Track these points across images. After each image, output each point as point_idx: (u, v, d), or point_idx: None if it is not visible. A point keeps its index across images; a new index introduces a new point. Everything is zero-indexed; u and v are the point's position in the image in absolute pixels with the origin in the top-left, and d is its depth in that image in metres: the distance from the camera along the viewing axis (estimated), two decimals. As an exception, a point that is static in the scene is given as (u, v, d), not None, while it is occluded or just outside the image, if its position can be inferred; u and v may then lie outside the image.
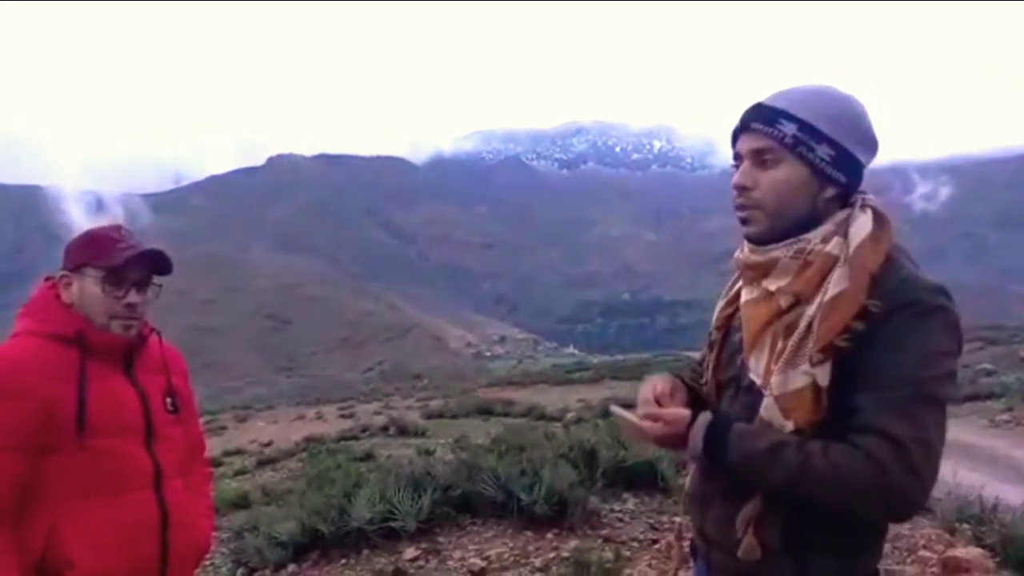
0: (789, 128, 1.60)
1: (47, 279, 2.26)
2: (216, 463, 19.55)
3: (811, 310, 1.55)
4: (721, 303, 1.87)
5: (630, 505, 6.11)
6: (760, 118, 1.65)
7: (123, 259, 2.17)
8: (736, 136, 1.71)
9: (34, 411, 2.01)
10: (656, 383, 1.80)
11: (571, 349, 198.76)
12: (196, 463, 2.53)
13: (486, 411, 26.89)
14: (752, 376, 1.64)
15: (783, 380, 1.55)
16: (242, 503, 11.02)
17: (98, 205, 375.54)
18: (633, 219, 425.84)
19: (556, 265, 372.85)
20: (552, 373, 58.14)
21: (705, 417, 1.64)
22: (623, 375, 46.34)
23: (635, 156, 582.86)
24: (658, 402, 1.75)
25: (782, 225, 1.63)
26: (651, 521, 5.76)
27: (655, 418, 1.68)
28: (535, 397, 33.02)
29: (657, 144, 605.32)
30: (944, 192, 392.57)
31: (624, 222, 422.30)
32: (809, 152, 1.59)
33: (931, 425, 1.47)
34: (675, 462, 6.47)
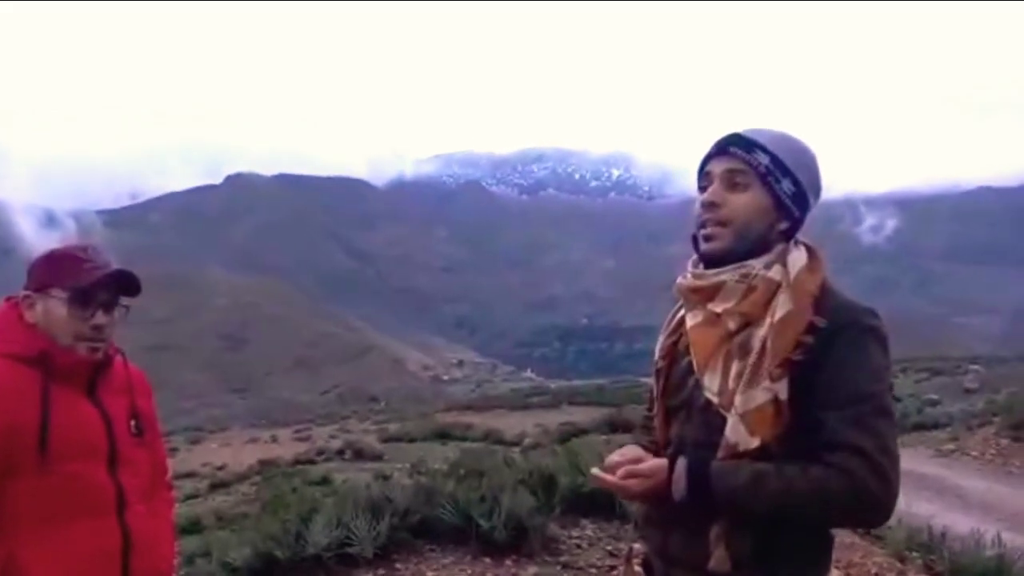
0: (763, 158, 1.76)
1: (8, 299, 2.18)
2: (168, 485, 19.19)
3: (762, 331, 1.68)
4: (664, 334, 1.97)
5: (588, 531, 6.10)
6: (739, 144, 1.79)
7: (90, 281, 2.11)
8: (708, 159, 1.84)
9: None
10: (623, 452, 1.89)
11: (529, 373, 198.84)
12: (159, 487, 2.45)
13: (444, 435, 26.87)
14: (708, 395, 1.74)
15: (746, 399, 1.66)
16: (194, 528, 10.87)
17: (49, 220, 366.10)
18: (592, 245, 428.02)
19: (515, 289, 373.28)
20: (510, 397, 58.08)
21: (683, 463, 1.72)
22: (580, 400, 46.46)
23: (594, 183, 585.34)
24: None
25: (742, 246, 1.77)
26: (609, 547, 5.75)
27: (634, 475, 1.75)
28: (493, 422, 32.97)
29: (615, 172, 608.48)
30: (890, 224, 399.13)
31: (583, 248, 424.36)
32: (776, 183, 1.76)
33: (889, 435, 1.63)
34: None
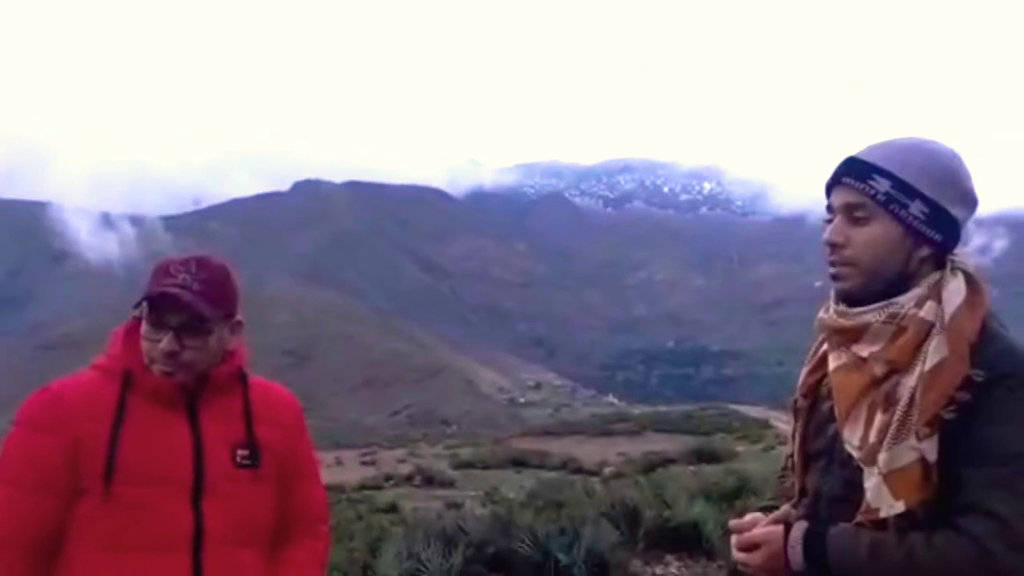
0: (882, 184, 1.62)
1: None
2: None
3: (911, 380, 1.57)
4: (806, 369, 1.86)
5: (673, 569, 6.10)
6: (852, 172, 1.67)
7: (149, 294, 1.98)
8: (829, 189, 1.73)
9: (63, 446, 1.92)
10: (741, 521, 1.83)
11: (611, 398, 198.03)
12: (301, 534, 2.22)
13: (520, 462, 26.94)
14: (849, 448, 1.64)
15: (890, 458, 1.56)
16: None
17: (106, 224, 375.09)
18: (680, 263, 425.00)
19: (597, 308, 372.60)
20: (591, 423, 57.92)
21: (800, 527, 1.65)
22: (665, 427, 46.10)
23: (683, 197, 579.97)
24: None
25: (876, 284, 1.65)
26: (695, 586, 5.75)
27: (751, 544, 1.70)
28: (572, 449, 32.94)
29: (707, 185, 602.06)
30: (999, 246, 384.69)
31: (670, 266, 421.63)
32: (902, 209, 1.61)
33: None
34: (720, 524, 6.46)
